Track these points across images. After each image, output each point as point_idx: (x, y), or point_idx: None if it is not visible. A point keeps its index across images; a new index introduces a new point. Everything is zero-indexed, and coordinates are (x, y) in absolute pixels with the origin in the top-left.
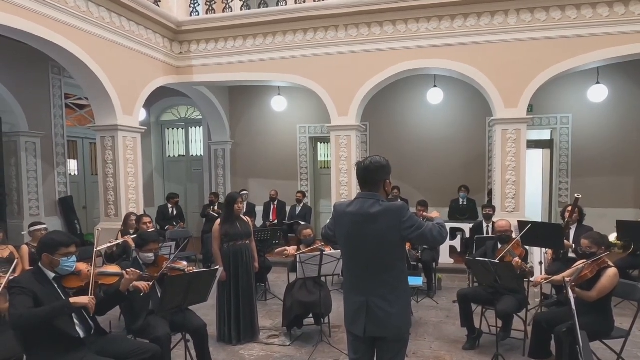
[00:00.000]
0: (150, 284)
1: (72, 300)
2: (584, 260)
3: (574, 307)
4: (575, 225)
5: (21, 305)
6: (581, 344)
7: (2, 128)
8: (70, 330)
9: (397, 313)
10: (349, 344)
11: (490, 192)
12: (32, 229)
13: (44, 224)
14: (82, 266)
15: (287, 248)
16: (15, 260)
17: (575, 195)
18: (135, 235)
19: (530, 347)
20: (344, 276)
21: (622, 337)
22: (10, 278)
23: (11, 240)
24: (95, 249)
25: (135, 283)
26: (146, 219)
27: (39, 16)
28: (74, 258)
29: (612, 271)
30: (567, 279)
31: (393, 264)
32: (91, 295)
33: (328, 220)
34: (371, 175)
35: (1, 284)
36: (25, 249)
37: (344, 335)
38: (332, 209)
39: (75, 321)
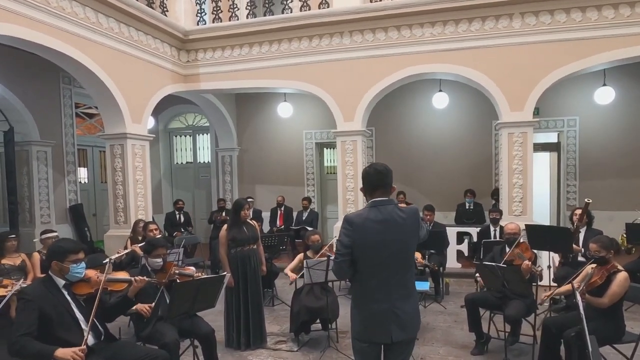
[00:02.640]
0: (152, 306)
1: (56, 353)
2: (593, 266)
3: (582, 311)
4: (584, 228)
5: (22, 325)
6: (590, 349)
7: (15, 137)
8: (79, 339)
9: (416, 313)
10: (359, 353)
11: (494, 192)
12: (43, 236)
13: (55, 231)
14: (92, 273)
15: (288, 273)
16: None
17: (586, 199)
18: (142, 243)
19: (540, 352)
20: (358, 287)
21: (632, 342)
22: (22, 285)
23: (22, 247)
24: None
25: (138, 306)
26: (152, 226)
27: (49, 28)
28: (82, 264)
29: (622, 275)
30: (576, 286)
31: (410, 265)
32: (98, 300)
33: (338, 246)
34: (386, 179)
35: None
36: (36, 256)
37: (351, 341)
38: (345, 225)
39: (85, 329)
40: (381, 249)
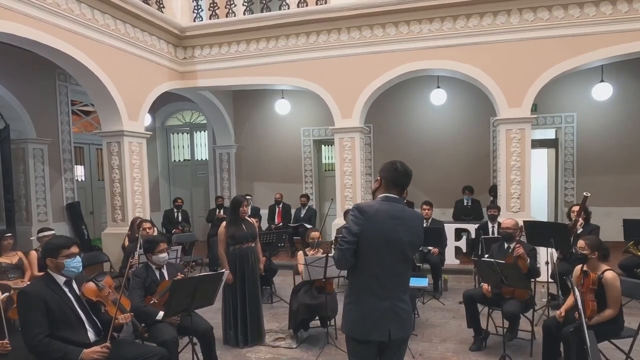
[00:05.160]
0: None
1: (82, 355)
2: (580, 266)
3: (580, 306)
4: (583, 224)
5: (37, 324)
6: (589, 344)
7: (10, 135)
8: (83, 336)
9: (411, 310)
10: (354, 353)
11: (492, 189)
12: (40, 235)
13: (53, 230)
14: (108, 283)
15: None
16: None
17: (584, 193)
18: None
19: (543, 353)
20: (359, 281)
21: (630, 337)
22: (21, 286)
23: (20, 246)
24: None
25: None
26: (146, 225)
27: (45, 25)
28: (78, 258)
29: (610, 276)
30: (577, 293)
31: (410, 266)
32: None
33: (345, 233)
34: (408, 183)
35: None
36: (33, 254)
37: None
38: (355, 213)
39: (87, 327)
40: (389, 245)
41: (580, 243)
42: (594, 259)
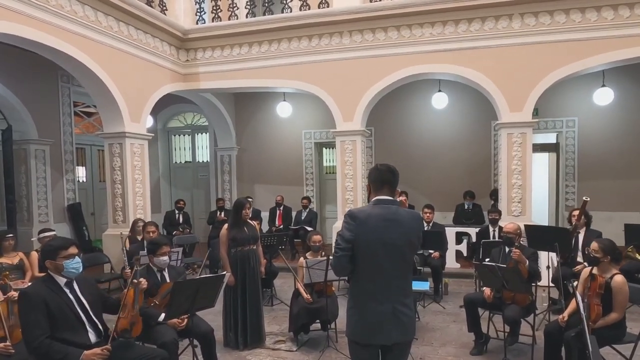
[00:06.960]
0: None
1: (82, 357)
2: (589, 269)
3: (582, 311)
4: (584, 229)
5: (37, 325)
6: (590, 349)
7: (13, 136)
8: (84, 338)
9: (414, 315)
10: (356, 357)
11: (493, 193)
12: (41, 235)
13: (53, 230)
14: (129, 300)
15: (302, 293)
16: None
17: (584, 198)
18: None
19: (545, 358)
20: (359, 285)
21: (632, 342)
22: (21, 288)
23: (21, 246)
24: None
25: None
26: (150, 228)
27: (49, 26)
28: (77, 259)
29: (619, 280)
30: (579, 293)
31: (410, 268)
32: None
33: (338, 240)
34: (395, 179)
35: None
36: (34, 255)
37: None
38: (347, 219)
39: (88, 328)
40: (385, 247)
41: (594, 245)
42: (605, 262)
